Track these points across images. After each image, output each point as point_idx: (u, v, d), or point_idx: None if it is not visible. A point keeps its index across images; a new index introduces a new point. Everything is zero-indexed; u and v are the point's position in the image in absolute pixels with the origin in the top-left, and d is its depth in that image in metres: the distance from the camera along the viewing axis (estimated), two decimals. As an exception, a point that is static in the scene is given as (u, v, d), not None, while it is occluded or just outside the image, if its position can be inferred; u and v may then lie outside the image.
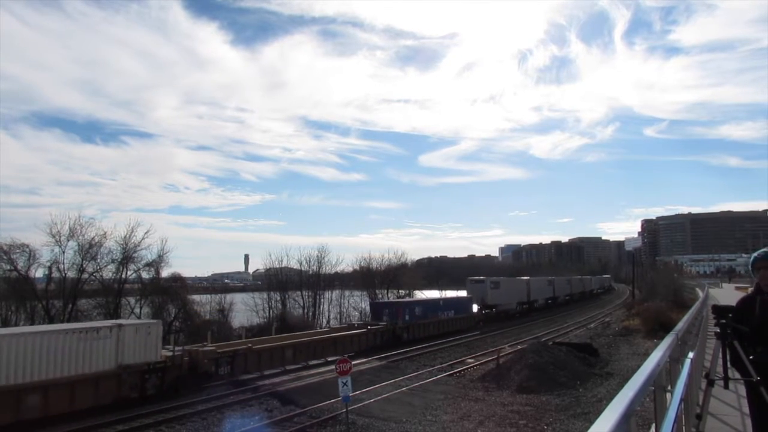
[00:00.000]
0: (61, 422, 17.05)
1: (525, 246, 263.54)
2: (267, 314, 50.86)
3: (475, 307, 49.03)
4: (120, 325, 20.70)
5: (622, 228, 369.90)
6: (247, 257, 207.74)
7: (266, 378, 24.27)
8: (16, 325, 35.24)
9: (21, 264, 36.20)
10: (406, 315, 37.62)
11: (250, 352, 25.71)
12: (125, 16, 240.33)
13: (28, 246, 36.69)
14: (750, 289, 4.83)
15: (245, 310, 52.34)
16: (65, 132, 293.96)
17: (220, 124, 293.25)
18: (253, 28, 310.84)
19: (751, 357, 4.09)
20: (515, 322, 50.39)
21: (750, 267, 4.68)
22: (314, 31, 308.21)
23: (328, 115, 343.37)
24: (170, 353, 22.22)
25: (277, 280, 57.06)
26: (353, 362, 17.92)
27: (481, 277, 56.26)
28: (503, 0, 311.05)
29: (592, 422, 1.90)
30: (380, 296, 58.74)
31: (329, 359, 27.37)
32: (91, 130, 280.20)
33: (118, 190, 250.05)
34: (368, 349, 32.14)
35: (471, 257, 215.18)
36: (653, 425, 4.89)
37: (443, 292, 75.57)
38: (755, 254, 4.62)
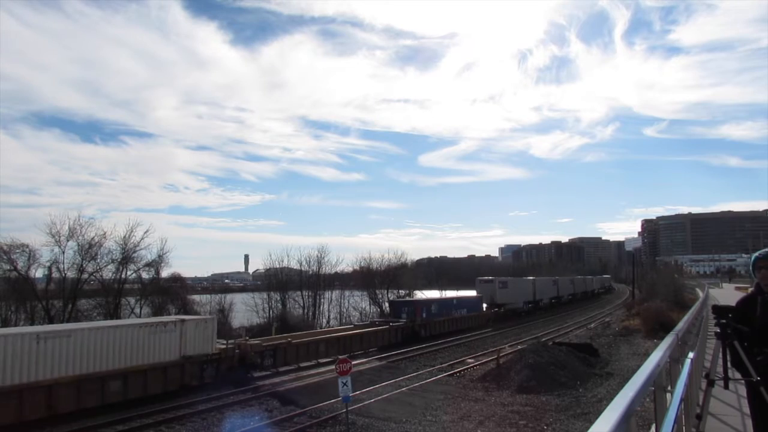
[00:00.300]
0: (119, 409, 17.87)
1: (525, 246, 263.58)
2: (267, 314, 50.85)
3: (483, 306, 50.75)
4: (183, 321, 22.95)
5: (622, 228, 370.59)
6: (247, 257, 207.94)
7: (267, 378, 24.26)
8: (17, 325, 35.30)
9: (21, 264, 36.22)
10: (424, 313, 39.54)
11: (290, 346, 27.70)
12: (124, 15, 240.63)
13: (27, 246, 36.72)
14: (750, 289, 4.82)
15: (245, 310, 52.31)
16: (65, 132, 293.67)
17: (219, 124, 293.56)
18: (252, 28, 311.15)
19: (759, 358, 4.09)
20: (523, 320, 51.97)
21: (750, 267, 4.67)
22: (314, 31, 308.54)
23: (327, 115, 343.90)
24: (223, 346, 24.38)
25: (277, 280, 57.03)
26: (356, 361, 17.91)
27: (490, 277, 58.07)
28: (502, 0, 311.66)
29: (592, 422, 1.90)
30: (380, 296, 58.79)
31: (356, 353, 29.90)
32: (90, 130, 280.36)
33: (117, 190, 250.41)
34: (389, 344, 34.33)
35: (471, 257, 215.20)
36: (653, 425, 4.89)
37: (443, 292, 75.58)
38: (756, 254, 4.62)
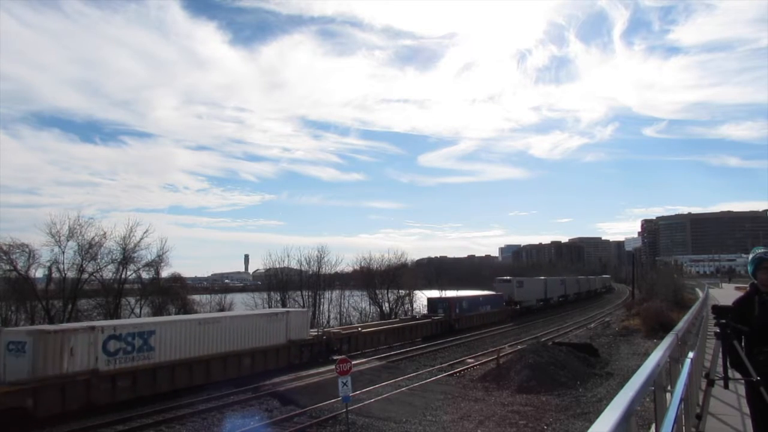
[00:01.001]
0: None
1: (525, 246, 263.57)
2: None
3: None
4: (288, 312, 29.37)
5: (622, 228, 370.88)
6: (247, 257, 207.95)
7: (269, 378, 24.26)
8: (17, 325, 35.31)
9: (21, 264, 36.21)
10: (457, 309, 44.83)
11: (360, 335, 33.84)
12: (124, 15, 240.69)
13: (27, 246, 36.70)
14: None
15: (245, 310, 52.33)
16: (64, 132, 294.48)
17: (219, 124, 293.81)
18: (251, 28, 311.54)
19: (761, 358, 4.09)
20: (537, 315, 56.63)
21: (751, 266, 4.63)
22: (313, 31, 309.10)
23: (327, 115, 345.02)
24: (315, 333, 30.48)
25: (277, 280, 57.04)
26: (356, 362, 17.90)
27: (508, 277, 63.77)
28: (502, 0, 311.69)
29: (592, 422, 1.91)
30: (380, 296, 58.83)
31: (405, 342, 36.29)
32: (90, 130, 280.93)
33: (117, 190, 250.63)
34: (431, 335, 39.62)
35: (471, 257, 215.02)
36: (653, 425, 4.89)
37: (443, 292, 75.52)
38: (757, 254, 4.57)
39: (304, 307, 49.65)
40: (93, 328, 20.13)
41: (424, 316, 43.66)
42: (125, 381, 20.06)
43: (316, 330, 30.68)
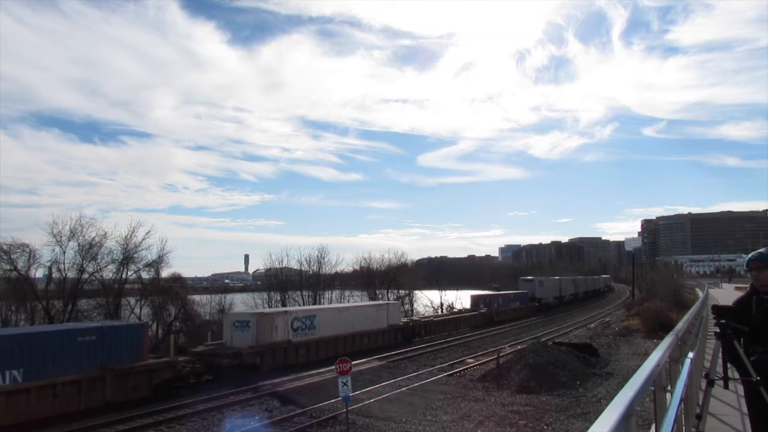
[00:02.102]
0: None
1: (525, 246, 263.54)
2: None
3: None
4: (389, 304, 39.22)
5: (621, 228, 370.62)
6: (247, 257, 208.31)
7: (276, 376, 24.28)
8: (17, 325, 35.31)
9: (21, 264, 36.15)
10: (495, 304, 52.66)
11: (432, 323, 43.07)
12: (122, 15, 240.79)
13: (28, 246, 36.67)
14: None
15: (245, 310, 52.28)
16: (63, 132, 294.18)
17: (218, 124, 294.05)
18: (250, 28, 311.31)
19: (752, 358, 4.10)
20: (554, 311, 63.53)
21: (745, 266, 4.72)
22: (312, 31, 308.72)
23: (326, 115, 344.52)
24: (405, 320, 39.68)
25: (277, 280, 57.05)
26: (356, 361, 17.87)
27: (531, 277, 72.13)
28: (501, 0, 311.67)
29: (592, 422, 1.91)
30: (380, 296, 58.89)
31: (461, 329, 44.48)
32: (89, 130, 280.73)
33: (117, 190, 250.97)
34: (478, 325, 47.05)
35: (471, 257, 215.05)
36: (653, 425, 4.89)
37: (443, 292, 75.69)
38: (749, 255, 4.65)
39: (304, 305, 49.90)
40: (286, 312, 30.10)
41: (471, 310, 51.53)
42: (303, 349, 28.92)
43: (406, 318, 41.68)
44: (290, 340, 28.19)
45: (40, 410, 17.57)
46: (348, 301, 59.14)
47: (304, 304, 52.83)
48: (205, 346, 26.52)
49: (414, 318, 44.03)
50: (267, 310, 36.16)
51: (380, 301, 44.98)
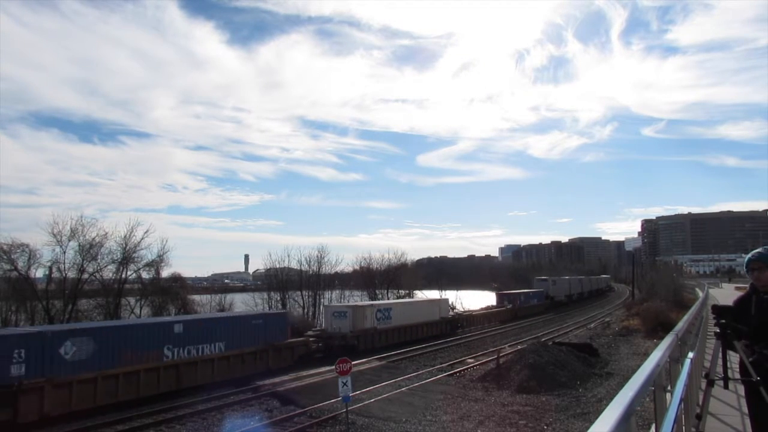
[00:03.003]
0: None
1: (525, 246, 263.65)
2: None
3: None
4: (440, 299, 47.31)
5: (621, 228, 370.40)
6: (247, 257, 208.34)
7: (275, 376, 24.29)
8: (17, 325, 35.31)
9: (21, 264, 36.21)
10: (518, 301, 59.20)
11: (471, 317, 49.95)
12: (121, 15, 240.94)
13: (28, 246, 36.71)
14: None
15: (245, 309, 52.31)
16: (63, 132, 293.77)
17: (217, 124, 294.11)
18: (248, 28, 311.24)
19: (750, 359, 4.10)
20: (564, 308, 68.49)
21: (745, 267, 4.71)
22: (310, 31, 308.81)
23: (325, 115, 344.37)
24: (452, 314, 46.73)
25: (277, 280, 57.05)
26: (356, 361, 17.86)
27: (545, 277, 78.63)
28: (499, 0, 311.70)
29: (592, 422, 1.91)
30: (380, 296, 58.95)
31: (493, 323, 50.26)
32: (88, 130, 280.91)
33: (116, 190, 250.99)
34: (506, 320, 52.50)
35: (471, 257, 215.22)
36: (653, 425, 4.89)
37: (443, 292, 75.78)
38: (749, 255, 4.65)
39: (304, 306, 50.21)
40: (372, 305, 37.34)
41: (498, 306, 57.74)
42: (384, 334, 35.35)
43: (452, 312, 47.99)
44: (375, 327, 34.99)
45: (235, 372, 24.31)
46: (348, 302, 59.39)
47: (304, 305, 53.16)
48: (312, 332, 33.70)
49: (458, 312, 51.30)
50: (358, 303, 42.51)
51: (434, 297, 53.59)
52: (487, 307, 59.04)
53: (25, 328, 25.71)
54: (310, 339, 30.78)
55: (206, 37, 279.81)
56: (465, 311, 53.90)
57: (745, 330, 4.29)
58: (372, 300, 54.73)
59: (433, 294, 68.97)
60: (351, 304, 43.22)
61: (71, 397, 18.37)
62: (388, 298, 56.87)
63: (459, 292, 72.01)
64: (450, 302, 50.02)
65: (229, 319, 27.02)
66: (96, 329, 20.55)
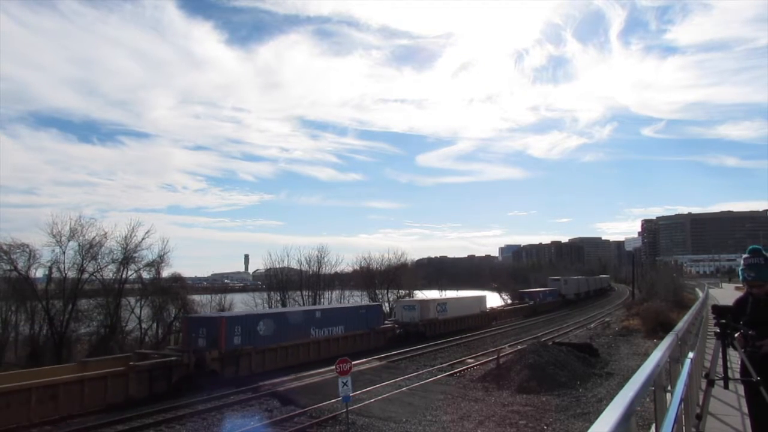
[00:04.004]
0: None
1: (525, 246, 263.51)
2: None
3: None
4: (481, 295, 55.12)
5: (621, 228, 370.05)
6: (247, 257, 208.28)
7: (267, 377, 24.29)
8: (17, 325, 35.33)
9: (21, 264, 36.09)
10: (538, 298, 66.25)
11: (501, 311, 56.91)
12: (119, 15, 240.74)
13: (28, 246, 36.61)
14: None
15: (245, 310, 52.31)
16: (62, 132, 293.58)
17: (216, 124, 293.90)
18: (247, 28, 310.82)
19: (744, 349, 4.12)
20: (574, 306, 74.08)
21: (741, 280, 4.78)
22: (309, 31, 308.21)
23: (324, 115, 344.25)
24: (487, 310, 53.14)
25: (277, 280, 57.06)
26: (356, 362, 17.83)
27: (558, 277, 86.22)
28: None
29: (592, 422, 1.91)
30: (380, 296, 59.00)
31: (516, 317, 56.94)
32: (87, 130, 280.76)
33: (115, 189, 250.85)
34: (527, 315, 58.45)
35: (471, 257, 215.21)
36: (653, 425, 4.89)
37: (443, 292, 75.89)
38: (743, 272, 4.68)
39: (304, 305, 50.35)
40: (434, 300, 46.48)
41: (520, 303, 65.57)
42: (443, 324, 42.31)
43: (487, 308, 53.98)
44: (437, 318, 42.20)
45: (351, 348, 31.03)
46: (348, 302, 59.60)
47: (304, 304, 53.33)
48: (388, 321, 40.09)
49: (492, 307, 57.24)
50: (424, 298, 52.12)
51: (477, 294, 62.70)
52: (510, 304, 68.55)
53: (237, 312, 37.53)
54: (396, 326, 38.73)
55: (205, 37, 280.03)
56: (497, 307, 60.77)
57: (745, 330, 4.30)
58: (372, 300, 55.22)
59: (433, 294, 69.28)
60: (418, 299, 50.52)
61: (264, 361, 26.29)
62: (389, 299, 57.02)
63: (459, 292, 72.10)
64: None
65: (346, 308, 36.94)
66: (275, 314, 30.33)
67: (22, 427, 16.78)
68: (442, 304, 44.53)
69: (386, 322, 39.11)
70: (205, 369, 23.30)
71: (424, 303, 42.89)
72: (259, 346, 26.14)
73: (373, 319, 35.62)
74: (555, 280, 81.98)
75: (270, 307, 51.61)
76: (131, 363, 21.49)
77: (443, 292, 75.76)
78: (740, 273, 4.75)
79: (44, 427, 17.01)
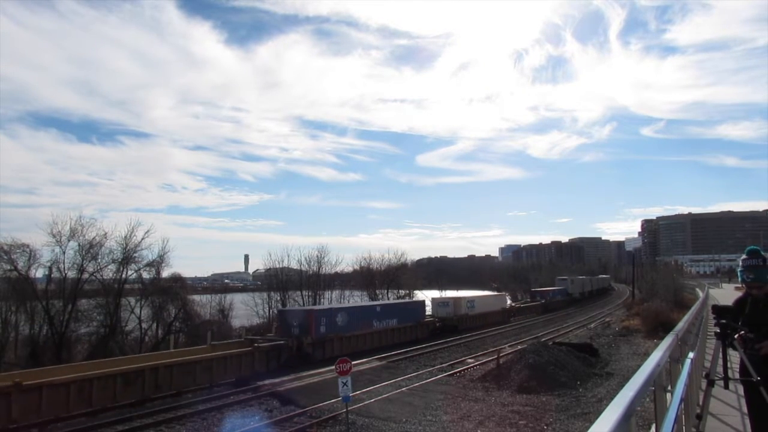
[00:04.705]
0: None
1: (525, 246, 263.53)
2: (267, 314, 50.94)
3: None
4: (501, 294, 67.66)
5: (621, 228, 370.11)
6: (247, 257, 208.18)
7: (267, 378, 24.29)
8: (17, 325, 35.32)
9: (21, 264, 36.14)
10: (548, 297, 71.60)
11: (518, 308, 61.96)
12: (118, 15, 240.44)
13: (28, 246, 36.66)
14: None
15: (245, 310, 52.37)
16: (61, 132, 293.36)
17: (216, 123, 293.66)
18: (246, 28, 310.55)
19: (744, 349, 4.12)
20: (580, 303, 79.04)
21: (740, 282, 4.79)
22: (308, 31, 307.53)
23: (324, 115, 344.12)
24: (508, 306, 60.04)
25: (277, 280, 57.07)
26: (356, 362, 17.81)
27: (566, 276, 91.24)
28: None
29: (592, 422, 1.91)
30: (380, 296, 59.04)
31: (533, 314, 61.96)
32: (87, 130, 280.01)
33: (115, 189, 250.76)
34: (539, 313, 63.01)
35: (471, 257, 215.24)
36: (653, 425, 4.89)
37: (443, 291, 75.95)
38: (741, 273, 4.69)
39: (304, 305, 50.48)
40: (465, 297, 50.27)
41: (533, 301, 71.11)
42: (472, 319, 47.03)
43: (510, 303, 62.86)
44: (467, 313, 46.87)
45: (402, 338, 37.03)
46: (348, 302, 59.77)
47: (304, 304, 53.47)
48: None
49: (512, 305, 63.58)
50: (457, 295, 55.56)
51: (499, 292, 71.57)
52: (525, 302, 73.87)
53: (321, 306, 43.74)
54: (436, 320, 43.53)
55: (204, 37, 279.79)
56: (516, 304, 66.54)
57: (744, 329, 4.31)
58: (372, 300, 55.47)
59: (433, 294, 69.38)
60: (451, 296, 54.67)
61: (342, 347, 31.02)
62: (389, 298, 57.10)
63: (459, 292, 72.15)
64: None
65: (399, 303, 43.99)
66: (348, 308, 36.10)
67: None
68: (470, 301, 49.31)
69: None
70: (303, 351, 28.87)
71: (457, 300, 47.77)
72: (338, 334, 31.72)
73: (418, 313, 41.51)
74: (562, 279, 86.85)
75: (270, 307, 51.70)
76: (256, 345, 27.55)
77: (443, 291, 75.79)
78: (739, 274, 4.76)
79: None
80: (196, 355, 24.89)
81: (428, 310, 45.50)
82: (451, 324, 43.35)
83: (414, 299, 51.86)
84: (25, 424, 16.99)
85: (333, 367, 17.30)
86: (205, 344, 28.44)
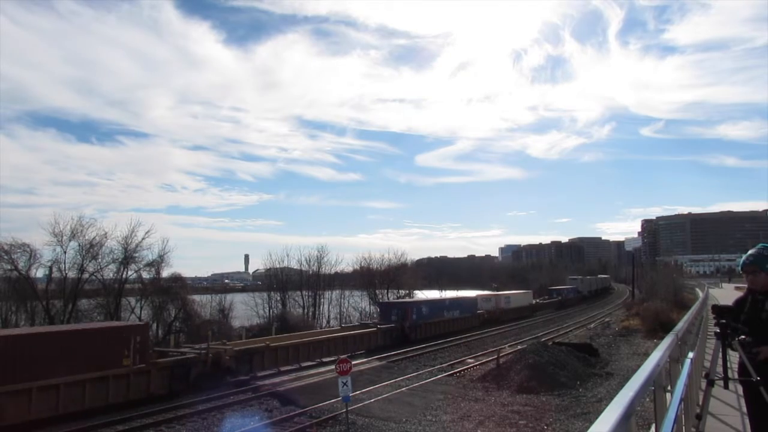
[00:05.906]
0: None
1: (525, 246, 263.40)
2: (267, 314, 50.93)
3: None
4: (527, 292, 70.39)
5: (621, 228, 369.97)
6: (247, 257, 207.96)
7: (267, 378, 24.31)
8: (17, 325, 35.27)
9: (21, 264, 36.16)
10: (563, 294, 78.47)
11: (542, 305, 69.11)
12: (117, 15, 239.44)
13: (28, 246, 36.68)
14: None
15: (245, 310, 52.35)
16: (60, 132, 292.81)
17: (215, 123, 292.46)
18: (245, 28, 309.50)
19: (739, 347, 4.14)
20: (587, 301, 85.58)
21: (740, 271, 4.79)
22: (307, 31, 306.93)
23: (323, 115, 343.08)
24: (533, 302, 66.71)
25: (277, 280, 57.08)
26: (356, 362, 17.87)
27: (577, 276, 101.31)
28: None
29: (592, 422, 1.91)
30: (380, 296, 59.07)
31: (550, 309, 68.72)
32: (86, 130, 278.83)
33: (115, 189, 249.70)
34: (558, 308, 70.79)
35: (471, 257, 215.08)
36: (653, 425, 4.90)
37: (443, 291, 76.05)
38: (742, 258, 4.70)
39: (304, 305, 50.48)
40: (504, 294, 59.78)
41: (551, 298, 76.48)
42: (508, 313, 54.22)
43: (534, 300, 68.32)
44: (505, 308, 54.69)
45: (460, 326, 43.92)
46: (347, 302, 59.99)
47: (304, 304, 53.52)
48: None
49: (537, 300, 69.83)
50: (495, 293, 62.62)
51: (527, 290, 73.63)
52: (543, 298, 78.57)
53: (413, 300, 51.80)
54: (484, 312, 50.24)
55: (203, 37, 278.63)
56: (540, 301, 72.57)
57: (744, 330, 4.31)
58: (372, 300, 55.84)
59: (433, 294, 69.61)
60: (493, 293, 62.49)
61: (427, 331, 39.43)
62: (389, 298, 57.20)
63: (459, 292, 72.20)
64: None
65: (459, 298, 51.42)
66: (428, 301, 46.97)
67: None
68: (506, 297, 57.79)
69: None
70: (405, 333, 37.11)
71: (497, 297, 56.59)
72: (424, 321, 39.79)
73: (473, 306, 49.32)
74: (573, 279, 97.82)
75: (270, 307, 51.83)
76: (379, 326, 35.75)
77: (443, 292, 75.84)
78: (739, 263, 4.78)
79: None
80: (325, 335, 32.40)
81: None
82: (495, 317, 51.03)
83: (469, 296, 57.48)
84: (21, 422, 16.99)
85: (426, 345, 29.12)
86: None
